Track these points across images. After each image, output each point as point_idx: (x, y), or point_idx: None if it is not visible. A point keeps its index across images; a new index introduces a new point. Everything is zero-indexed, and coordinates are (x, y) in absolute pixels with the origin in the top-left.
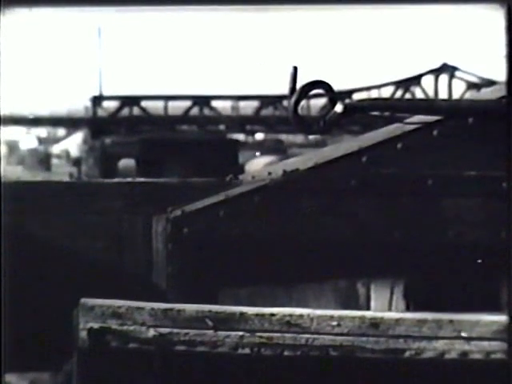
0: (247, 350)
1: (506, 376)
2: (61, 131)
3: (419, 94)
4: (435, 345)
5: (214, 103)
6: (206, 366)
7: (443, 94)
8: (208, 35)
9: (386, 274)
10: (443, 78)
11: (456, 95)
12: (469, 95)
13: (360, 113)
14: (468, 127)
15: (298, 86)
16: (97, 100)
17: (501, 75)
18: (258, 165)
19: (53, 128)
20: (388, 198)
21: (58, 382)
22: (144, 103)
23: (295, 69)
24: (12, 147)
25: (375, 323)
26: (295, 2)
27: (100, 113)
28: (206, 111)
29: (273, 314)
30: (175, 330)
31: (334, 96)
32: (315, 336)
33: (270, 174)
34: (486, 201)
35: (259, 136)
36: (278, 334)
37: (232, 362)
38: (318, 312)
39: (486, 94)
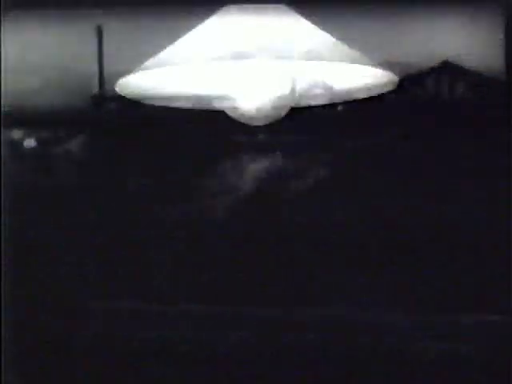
0: None
1: (506, 375)
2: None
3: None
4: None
5: None
6: (207, 364)
7: (444, 93)
8: None
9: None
10: (444, 77)
11: (457, 93)
12: (469, 93)
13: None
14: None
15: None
16: (97, 100)
17: (501, 74)
18: None
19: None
20: (386, 198)
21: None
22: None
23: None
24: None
25: None
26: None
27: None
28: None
29: None
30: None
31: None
32: None
33: None
34: (486, 199)
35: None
36: None
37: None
38: None
39: (485, 90)
